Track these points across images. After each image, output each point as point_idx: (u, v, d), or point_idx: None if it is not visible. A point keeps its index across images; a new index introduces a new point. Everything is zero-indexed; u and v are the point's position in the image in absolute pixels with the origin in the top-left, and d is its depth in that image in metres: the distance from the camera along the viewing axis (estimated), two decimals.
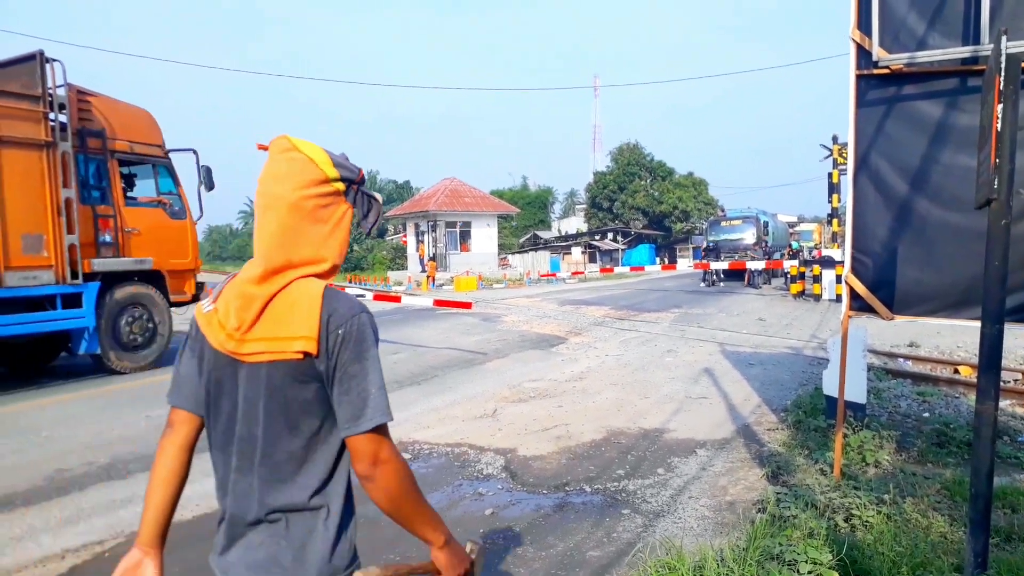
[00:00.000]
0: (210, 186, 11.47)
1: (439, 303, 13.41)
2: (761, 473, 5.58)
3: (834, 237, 23.14)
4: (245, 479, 1.62)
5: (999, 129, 3.05)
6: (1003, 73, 3.01)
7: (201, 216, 11.61)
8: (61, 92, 9.49)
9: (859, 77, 4.97)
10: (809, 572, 3.37)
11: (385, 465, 1.60)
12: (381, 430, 1.58)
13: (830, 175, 21.56)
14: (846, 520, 4.35)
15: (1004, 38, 3.05)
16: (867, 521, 4.25)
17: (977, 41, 4.51)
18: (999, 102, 3.02)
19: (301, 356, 1.53)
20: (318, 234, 1.62)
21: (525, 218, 64.63)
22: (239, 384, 1.60)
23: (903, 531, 3.92)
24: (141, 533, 1.71)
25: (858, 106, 5.01)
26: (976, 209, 3.59)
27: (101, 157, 10.16)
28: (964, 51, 4.54)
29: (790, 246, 36.77)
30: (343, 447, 1.64)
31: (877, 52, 4.81)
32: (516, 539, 4.48)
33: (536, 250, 52.55)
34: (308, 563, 1.60)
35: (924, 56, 4.67)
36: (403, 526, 1.73)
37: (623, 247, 56.49)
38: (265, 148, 1.69)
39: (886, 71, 4.82)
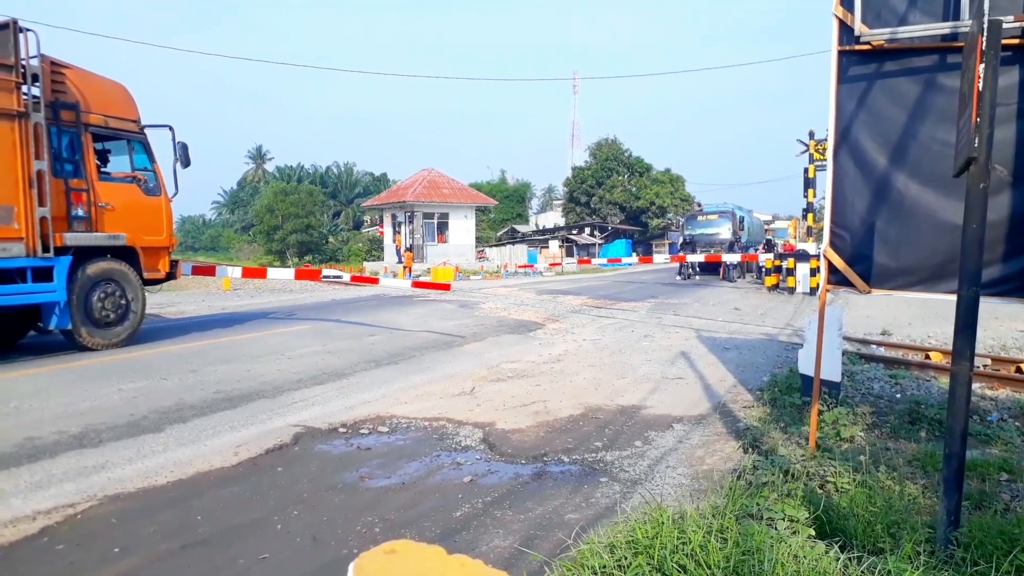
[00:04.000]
0: (186, 163, 11.32)
1: (417, 284, 13.38)
2: (737, 445, 5.64)
3: (809, 232, 23.38)
4: None
5: (980, 90, 3.10)
6: (985, 34, 3.06)
7: (176, 193, 11.44)
8: (34, 63, 9.30)
9: (841, 53, 5.02)
10: (786, 528, 3.40)
11: None
12: None
13: (806, 170, 21.75)
14: (821, 486, 4.40)
15: (987, 1, 3.10)
16: (842, 487, 4.30)
17: (957, 17, 4.58)
18: (981, 62, 3.06)
19: None
20: None
21: (503, 212, 64.62)
22: None
23: (877, 495, 3.98)
24: None
25: (839, 82, 5.07)
26: (955, 176, 3.65)
27: (74, 130, 9.97)
28: (944, 27, 4.61)
29: (765, 242, 37.10)
30: None
31: (859, 28, 4.86)
32: (495, 503, 4.49)
33: (514, 243, 52.63)
34: None
35: (905, 32, 4.73)
36: None
37: (600, 242, 56.72)
38: None
39: (867, 47, 4.88)
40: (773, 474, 4.42)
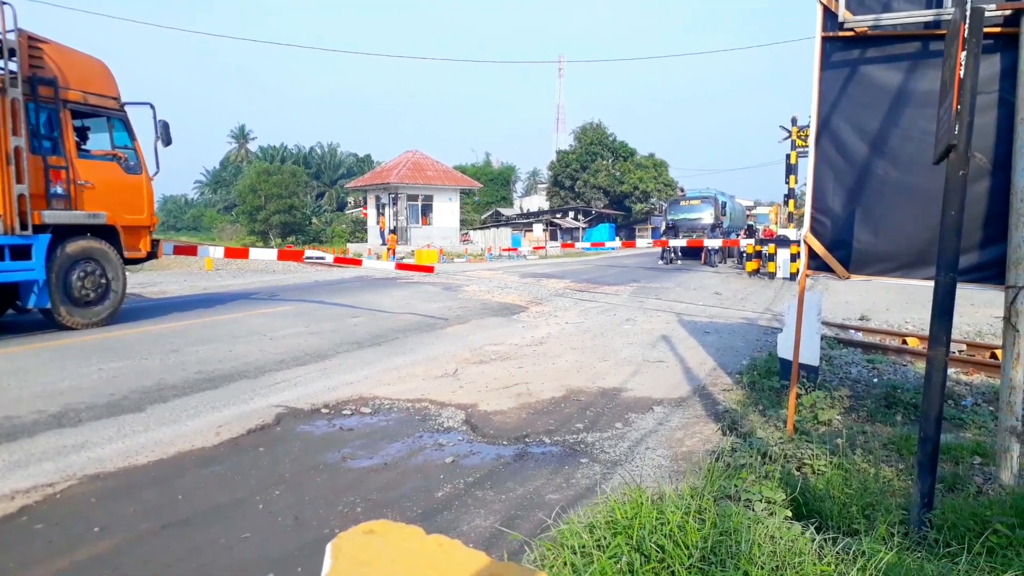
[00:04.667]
0: (167, 141, 11.17)
1: (401, 266, 13.35)
2: (716, 428, 5.71)
3: (790, 217, 23.53)
4: None
5: (961, 77, 3.12)
6: (967, 21, 3.08)
7: (158, 172, 11.31)
8: (11, 37, 9.14)
9: (824, 39, 5.03)
10: (763, 510, 3.45)
11: None
12: None
13: (788, 156, 21.81)
14: (798, 469, 4.47)
15: None
16: (819, 469, 4.37)
17: (940, 5, 4.61)
18: (963, 49, 3.09)
19: None
20: None
21: (487, 195, 64.47)
22: None
23: (853, 477, 4.04)
24: None
25: (822, 68, 5.08)
26: (935, 163, 3.69)
27: (53, 106, 9.81)
28: (927, 14, 4.63)
29: (747, 227, 37.31)
30: None
31: (843, 14, 4.87)
32: (477, 484, 4.52)
33: (498, 226, 52.52)
34: None
35: (888, 19, 4.74)
36: None
37: (584, 226, 56.73)
38: None
39: (851, 34, 4.89)
40: (751, 456, 4.47)
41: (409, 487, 4.48)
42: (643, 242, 38.54)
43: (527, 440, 5.46)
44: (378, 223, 42.77)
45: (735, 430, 5.49)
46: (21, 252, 9.25)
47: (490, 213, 61.94)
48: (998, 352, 8.74)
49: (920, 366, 8.15)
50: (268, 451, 5.13)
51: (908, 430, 5.40)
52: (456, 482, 4.55)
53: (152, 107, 11.17)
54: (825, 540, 3.02)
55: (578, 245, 31.88)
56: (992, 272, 4.63)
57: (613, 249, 41.98)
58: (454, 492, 4.38)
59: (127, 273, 11.08)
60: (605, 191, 60.09)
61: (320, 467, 4.82)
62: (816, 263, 5.22)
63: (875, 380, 7.38)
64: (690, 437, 5.53)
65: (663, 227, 34.74)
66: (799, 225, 20.08)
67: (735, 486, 3.76)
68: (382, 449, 5.23)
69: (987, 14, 3.89)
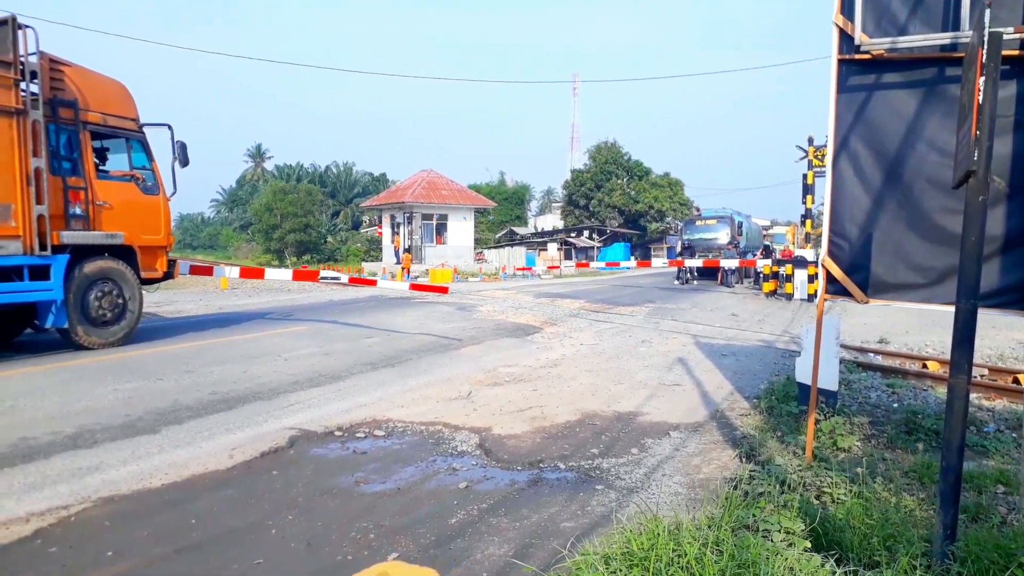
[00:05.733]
0: (185, 162, 11.30)
1: (415, 287, 13.38)
2: (734, 454, 5.63)
3: (807, 238, 23.40)
4: None
5: (980, 102, 3.09)
6: (985, 46, 3.05)
7: (175, 192, 11.43)
8: (33, 60, 9.29)
9: (841, 62, 5.02)
10: (782, 540, 3.39)
11: None
12: None
13: (805, 176, 21.79)
14: (817, 497, 4.40)
15: (988, 11, 3.10)
16: (838, 498, 4.30)
17: (957, 28, 4.58)
18: (981, 75, 3.06)
19: None
20: None
21: (502, 214, 64.69)
22: None
23: (873, 507, 3.97)
24: None
25: (839, 91, 5.06)
26: (954, 188, 3.65)
27: (73, 128, 9.96)
28: (944, 37, 4.60)
29: (764, 247, 37.14)
30: None
31: (859, 37, 4.85)
32: (490, 511, 4.47)
33: (512, 246, 52.61)
34: None
35: (905, 42, 4.72)
36: None
37: (599, 245, 56.74)
38: None
39: (867, 57, 4.87)
40: (769, 484, 4.41)
41: (422, 513, 4.44)
42: (659, 262, 38.51)
43: (541, 465, 5.41)
44: (393, 242, 42.99)
45: (753, 457, 5.42)
46: (40, 272, 9.35)
47: (504, 232, 62.12)
48: (1021, 377, 8.61)
49: (941, 391, 8.04)
50: (281, 474, 5.12)
51: (930, 457, 5.30)
52: (470, 508, 4.51)
53: (170, 128, 11.32)
54: (845, 573, 2.96)
55: (593, 264, 31.84)
56: (1013, 297, 4.57)
57: (628, 269, 41.91)
58: (468, 519, 4.34)
59: (143, 293, 11.17)
60: (620, 210, 60.10)
61: (333, 491, 4.80)
62: (834, 287, 5.17)
63: (895, 405, 7.28)
64: (707, 464, 5.46)
65: (679, 247, 34.65)
66: (816, 245, 19.99)
67: (753, 515, 3.70)
68: (395, 473, 5.20)
69: (1005, 38, 3.86)
